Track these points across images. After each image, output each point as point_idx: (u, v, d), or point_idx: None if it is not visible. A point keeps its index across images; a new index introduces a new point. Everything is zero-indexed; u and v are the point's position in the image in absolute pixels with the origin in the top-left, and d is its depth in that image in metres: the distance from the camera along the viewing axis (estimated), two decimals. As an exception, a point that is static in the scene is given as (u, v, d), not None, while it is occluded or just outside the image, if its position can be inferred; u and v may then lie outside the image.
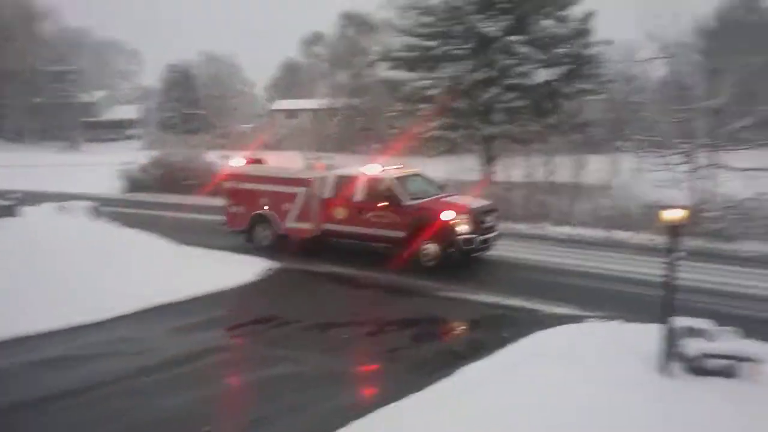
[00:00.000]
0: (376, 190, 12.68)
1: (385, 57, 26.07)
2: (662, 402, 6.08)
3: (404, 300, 10.66)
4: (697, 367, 6.59)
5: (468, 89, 23.10)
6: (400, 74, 25.52)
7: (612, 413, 5.81)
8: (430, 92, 23.33)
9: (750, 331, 7.15)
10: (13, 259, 9.98)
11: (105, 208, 16.83)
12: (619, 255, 13.39)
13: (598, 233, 16.03)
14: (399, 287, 11.29)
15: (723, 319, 7.58)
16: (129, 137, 69.42)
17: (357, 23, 52.35)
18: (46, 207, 12.85)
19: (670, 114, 18.26)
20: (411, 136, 23.28)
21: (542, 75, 22.81)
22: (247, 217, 13.77)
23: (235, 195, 13.99)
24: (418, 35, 24.41)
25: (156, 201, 23.77)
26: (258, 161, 14.84)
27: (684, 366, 6.64)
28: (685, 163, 16.73)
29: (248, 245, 13.75)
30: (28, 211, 12.29)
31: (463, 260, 12.26)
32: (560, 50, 23.19)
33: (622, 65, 26.71)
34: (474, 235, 12.03)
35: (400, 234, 12.33)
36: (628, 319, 8.63)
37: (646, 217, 15.98)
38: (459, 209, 12.17)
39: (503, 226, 14.09)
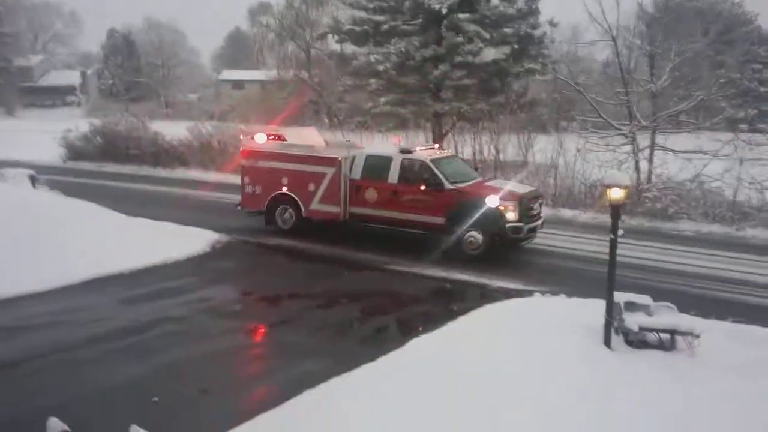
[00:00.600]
0: (413, 172, 11.90)
1: (334, 30, 25.85)
2: (606, 373, 6.39)
3: (354, 274, 10.73)
4: (638, 340, 6.96)
5: (418, 65, 23.17)
6: (350, 48, 25.34)
7: (557, 383, 6.10)
8: (379, 67, 23.21)
9: (685, 305, 7.59)
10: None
11: (46, 176, 16.42)
12: (565, 232, 13.79)
13: (544, 211, 16.35)
14: (349, 261, 11.35)
15: (660, 294, 8.03)
16: (68, 104, 67.03)
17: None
18: (-17, 175, 12.38)
19: (612, 96, 18.82)
20: (361, 111, 23.22)
21: (490, 54, 23.05)
22: (265, 198, 12.94)
23: (252, 173, 13.10)
24: (367, 9, 24.27)
25: (100, 170, 23.17)
26: (279, 138, 13.36)
27: (625, 339, 6.99)
28: (627, 144, 17.31)
29: (268, 227, 13.08)
30: (-36, 180, 11.84)
31: (506, 249, 11.69)
32: (508, 29, 23.45)
33: (567, 47, 27.26)
34: (521, 224, 11.27)
35: (439, 220, 11.59)
36: (572, 294, 8.96)
37: (590, 196, 16.55)
38: (507, 195, 11.36)
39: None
